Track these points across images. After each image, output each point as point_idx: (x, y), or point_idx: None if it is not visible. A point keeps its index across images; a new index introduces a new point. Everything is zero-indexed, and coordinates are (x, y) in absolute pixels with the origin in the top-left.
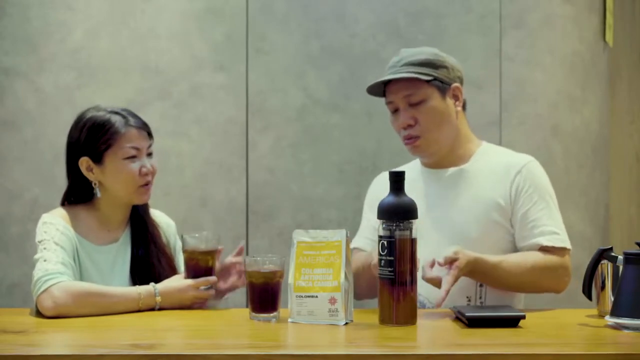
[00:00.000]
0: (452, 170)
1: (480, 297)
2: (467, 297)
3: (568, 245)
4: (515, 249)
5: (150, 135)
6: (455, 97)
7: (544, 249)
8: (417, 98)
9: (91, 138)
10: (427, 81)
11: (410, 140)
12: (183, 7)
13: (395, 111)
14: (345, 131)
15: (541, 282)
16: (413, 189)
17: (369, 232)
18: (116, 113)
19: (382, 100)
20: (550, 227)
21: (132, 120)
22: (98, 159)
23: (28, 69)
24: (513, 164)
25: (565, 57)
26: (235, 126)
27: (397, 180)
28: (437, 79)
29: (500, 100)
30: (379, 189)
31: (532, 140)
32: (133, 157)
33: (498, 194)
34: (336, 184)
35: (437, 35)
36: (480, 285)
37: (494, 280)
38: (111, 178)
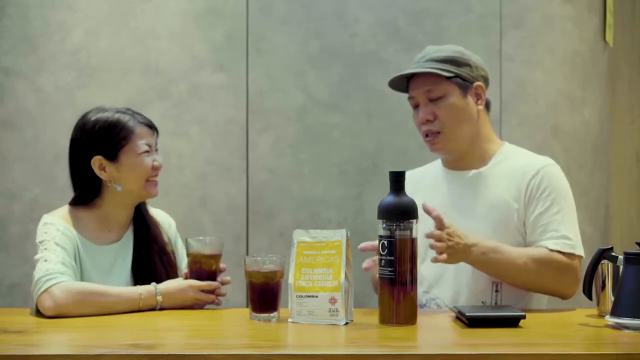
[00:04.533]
0: (472, 173)
1: (496, 302)
2: (483, 302)
3: (578, 251)
4: None
5: (157, 132)
6: (477, 96)
7: (552, 252)
8: (437, 94)
9: (104, 137)
10: (448, 78)
11: (429, 137)
12: (183, 7)
13: (416, 107)
14: (345, 131)
15: (544, 279)
16: (435, 190)
17: None
18: (123, 112)
19: (383, 100)
20: (562, 232)
21: (140, 118)
22: (113, 157)
23: (28, 69)
24: (530, 167)
25: (565, 57)
26: (235, 126)
27: (397, 181)
28: (459, 76)
29: (500, 100)
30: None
31: (532, 140)
32: (146, 152)
33: (513, 197)
34: (336, 184)
35: (437, 35)
36: (496, 291)
37: (491, 263)
38: (126, 173)
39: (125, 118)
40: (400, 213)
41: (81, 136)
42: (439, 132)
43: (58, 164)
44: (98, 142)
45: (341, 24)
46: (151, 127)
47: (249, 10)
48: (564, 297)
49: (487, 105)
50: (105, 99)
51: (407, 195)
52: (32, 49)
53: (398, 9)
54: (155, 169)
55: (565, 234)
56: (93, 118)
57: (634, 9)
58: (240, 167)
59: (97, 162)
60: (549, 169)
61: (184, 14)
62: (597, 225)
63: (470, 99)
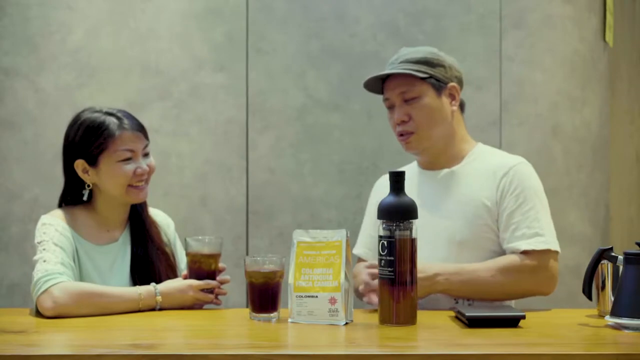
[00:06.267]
0: (444, 171)
1: (468, 300)
2: (456, 300)
3: (553, 247)
4: (503, 251)
5: (146, 136)
6: (452, 97)
7: (525, 253)
8: (412, 95)
9: (86, 140)
10: (423, 78)
11: (403, 136)
12: (183, 7)
13: (391, 108)
14: (345, 131)
15: (519, 285)
16: (410, 190)
17: (368, 241)
18: (111, 114)
19: (382, 100)
20: (534, 229)
21: (126, 123)
22: (93, 162)
23: (28, 69)
24: (501, 166)
25: (565, 57)
26: (235, 126)
27: (397, 180)
28: (433, 77)
29: (500, 100)
30: (379, 196)
31: (532, 140)
32: (128, 159)
33: (485, 195)
34: (336, 184)
35: (437, 35)
36: None
37: (461, 288)
38: (106, 180)
39: (109, 121)
40: (400, 213)
41: (69, 135)
42: (412, 132)
43: (58, 164)
44: (80, 144)
45: (341, 24)
46: (139, 131)
47: (249, 10)
48: (544, 294)
49: (462, 106)
50: (105, 99)
51: (407, 196)
52: (32, 49)
53: (398, 9)
54: (139, 175)
55: (537, 231)
56: (82, 118)
57: (634, 9)
58: (240, 167)
59: (80, 165)
60: (520, 168)
61: (184, 14)
62: (597, 225)
63: (445, 100)
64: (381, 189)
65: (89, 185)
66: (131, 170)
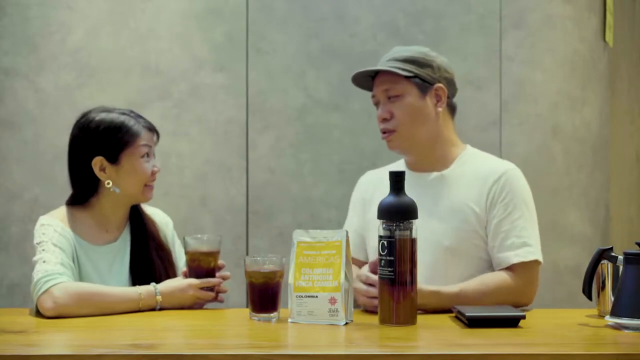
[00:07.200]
0: (433, 175)
1: None
2: None
3: (539, 257)
4: (490, 258)
5: (158, 136)
6: (438, 98)
7: (514, 268)
8: (394, 92)
9: (108, 139)
10: (407, 77)
11: (385, 134)
12: (183, 7)
13: (377, 104)
14: (345, 131)
15: (505, 301)
16: None
17: (352, 236)
18: (127, 114)
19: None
20: (524, 238)
21: (142, 121)
22: (114, 159)
23: (28, 69)
24: (492, 172)
25: (565, 57)
26: (235, 126)
27: (397, 180)
28: (418, 76)
29: (500, 100)
30: (361, 194)
31: (532, 140)
32: (146, 155)
33: (474, 201)
34: (336, 184)
35: (437, 35)
36: None
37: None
38: (126, 177)
39: (130, 121)
40: (400, 213)
41: (83, 135)
42: (394, 131)
43: (58, 164)
44: (101, 143)
45: (341, 24)
46: (153, 130)
47: (249, 10)
48: (523, 306)
49: (453, 109)
50: (105, 99)
51: (407, 196)
52: (32, 49)
53: (398, 9)
54: (154, 174)
55: (526, 241)
56: (97, 118)
57: (634, 9)
58: (240, 167)
59: (98, 162)
60: (511, 174)
61: (184, 14)
62: (597, 225)
63: (429, 100)
64: (362, 186)
65: (108, 183)
66: (150, 168)
